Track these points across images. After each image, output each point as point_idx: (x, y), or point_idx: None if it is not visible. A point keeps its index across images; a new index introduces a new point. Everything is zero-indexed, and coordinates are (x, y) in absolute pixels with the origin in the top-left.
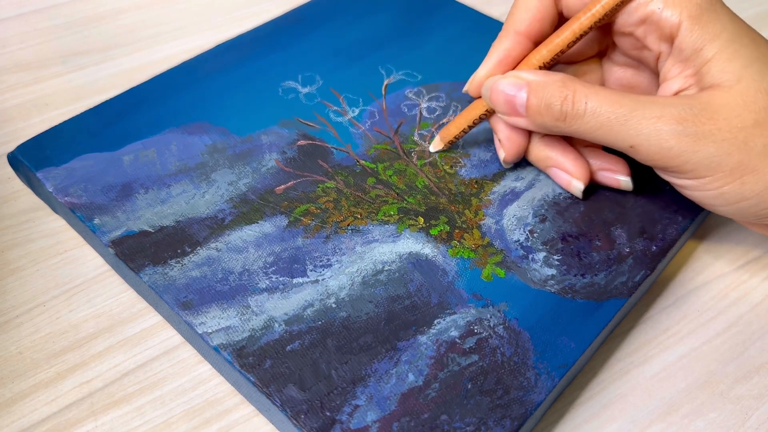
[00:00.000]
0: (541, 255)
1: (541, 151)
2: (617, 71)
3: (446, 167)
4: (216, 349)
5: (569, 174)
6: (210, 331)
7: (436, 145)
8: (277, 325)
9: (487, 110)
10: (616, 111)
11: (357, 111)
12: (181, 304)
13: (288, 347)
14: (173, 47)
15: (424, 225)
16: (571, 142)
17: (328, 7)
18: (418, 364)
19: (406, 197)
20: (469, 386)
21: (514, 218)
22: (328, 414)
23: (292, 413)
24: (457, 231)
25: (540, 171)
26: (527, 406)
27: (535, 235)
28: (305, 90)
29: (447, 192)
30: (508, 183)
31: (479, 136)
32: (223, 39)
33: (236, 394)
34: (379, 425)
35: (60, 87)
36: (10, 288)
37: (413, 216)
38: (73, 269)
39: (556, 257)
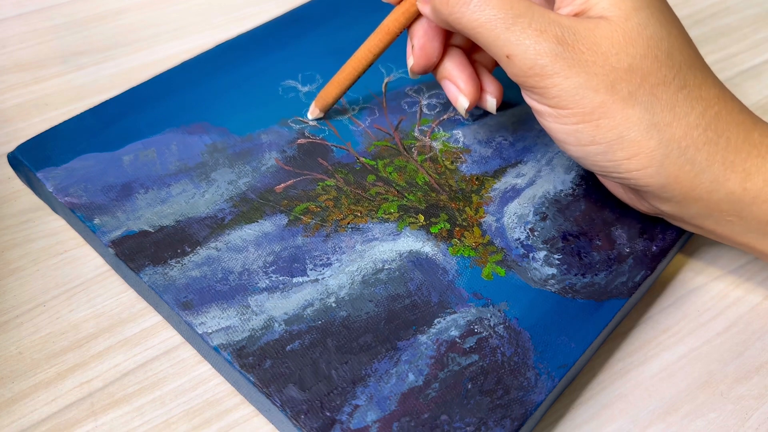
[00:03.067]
0: (542, 254)
1: (442, 63)
2: None
3: (447, 163)
4: (216, 349)
5: (459, 90)
6: (210, 331)
7: (313, 110)
8: (277, 324)
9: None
10: (504, 11)
11: (357, 109)
12: (181, 304)
13: (288, 347)
14: (173, 47)
15: (424, 223)
16: (474, 64)
17: (327, 7)
18: (418, 363)
19: (406, 194)
20: (469, 386)
21: (515, 216)
22: (328, 414)
23: (292, 413)
24: (457, 229)
25: (541, 168)
26: (527, 406)
27: (535, 233)
28: (305, 89)
29: (447, 189)
30: (509, 180)
31: (479, 133)
32: (223, 39)
33: (236, 394)
34: (379, 425)
35: (60, 87)
36: (10, 288)
37: (413, 214)
38: (73, 269)
39: (556, 256)
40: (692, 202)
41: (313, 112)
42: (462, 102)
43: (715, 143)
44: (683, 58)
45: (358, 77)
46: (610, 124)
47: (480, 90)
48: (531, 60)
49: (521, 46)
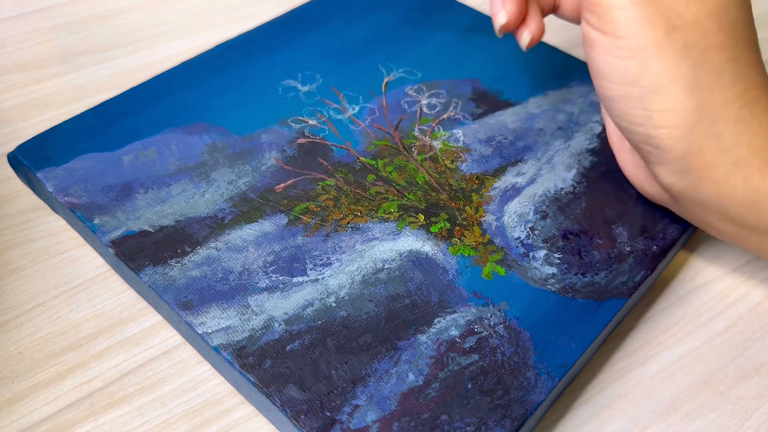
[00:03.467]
0: (542, 253)
1: None
2: None
3: (447, 162)
4: (216, 349)
5: (503, 4)
6: (210, 331)
7: None
8: (277, 324)
9: None
10: None
11: (357, 108)
12: (181, 304)
13: (288, 347)
14: (173, 47)
15: (424, 222)
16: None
17: (328, 7)
18: (418, 363)
19: (406, 194)
20: (469, 386)
21: (515, 215)
22: (328, 414)
23: (292, 413)
24: (457, 228)
25: (541, 166)
26: (527, 406)
27: (536, 232)
28: (305, 88)
29: (447, 188)
30: (509, 178)
31: (479, 132)
32: (223, 39)
33: (236, 394)
34: (379, 425)
35: (60, 87)
36: (10, 288)
37: (413, 213)
38: (73, 269)
39: (556, 255)
40: (707, 183)
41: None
42: (500, 18)
43: (748, 123)
44: (744, 35)
45: None
46: (658, 69)
47: (523, 18)
48: None
49: None
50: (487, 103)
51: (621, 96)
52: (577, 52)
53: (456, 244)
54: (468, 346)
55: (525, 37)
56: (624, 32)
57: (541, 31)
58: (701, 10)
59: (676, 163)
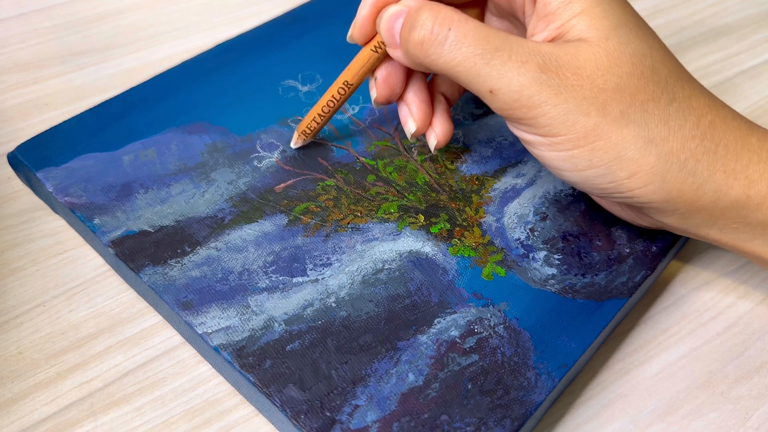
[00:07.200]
0: (542, 254)
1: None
2: (495, 22)
3: (447, 163)
4: (216, 349)
5: (410, 114)
6: (210, 331)
7: (295, 141)
8: (277, 324)
9: (345, 83)
10: (481, 46)
11: (357, 108)
12: (181, 304)
13: (288, 347)
14: (173, 47)
15: (424, 223)
16: (433, 93)
17: (327, 7)
18: (418, 363)
19: (406, 194)
20: (470, 386)
21: (515, 216)
22: (328, 414)
23: (292, 413)
24: (457, 229)
25: (541, 168)
26: (527, 406)
27: (535, 233)
28: (305, 89)
29: (447, 189)
30: (509, 180)
31: (479, 133)
32: (223, 39)
33: (236, 394)
34: (379, 425)
35: (60, 87)
36: (10, 288)
37: (413, 214)
38: (73, 269)
39: (556, 257)
40: (696, 212)
41: (296, 143)
42: (410, 126)
43: (714, 152)
44: (668, 71)
45: (336, 110)
46: (607, 146)
47: (430, 120)
48: (516, 92)
49: (504, 80)
50: None
51: (583, 179)
52: None
53: (456, 245)
54: (468, 346)
55: (432, 142)
56: (560, 130)
57: (446, 133)
58: (620, 74)
59: (661, 208)
